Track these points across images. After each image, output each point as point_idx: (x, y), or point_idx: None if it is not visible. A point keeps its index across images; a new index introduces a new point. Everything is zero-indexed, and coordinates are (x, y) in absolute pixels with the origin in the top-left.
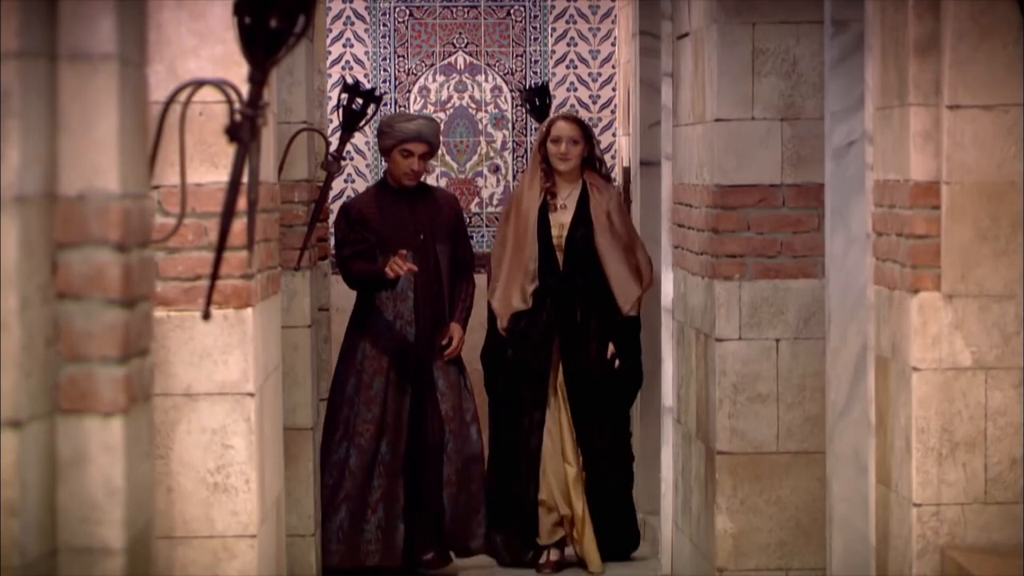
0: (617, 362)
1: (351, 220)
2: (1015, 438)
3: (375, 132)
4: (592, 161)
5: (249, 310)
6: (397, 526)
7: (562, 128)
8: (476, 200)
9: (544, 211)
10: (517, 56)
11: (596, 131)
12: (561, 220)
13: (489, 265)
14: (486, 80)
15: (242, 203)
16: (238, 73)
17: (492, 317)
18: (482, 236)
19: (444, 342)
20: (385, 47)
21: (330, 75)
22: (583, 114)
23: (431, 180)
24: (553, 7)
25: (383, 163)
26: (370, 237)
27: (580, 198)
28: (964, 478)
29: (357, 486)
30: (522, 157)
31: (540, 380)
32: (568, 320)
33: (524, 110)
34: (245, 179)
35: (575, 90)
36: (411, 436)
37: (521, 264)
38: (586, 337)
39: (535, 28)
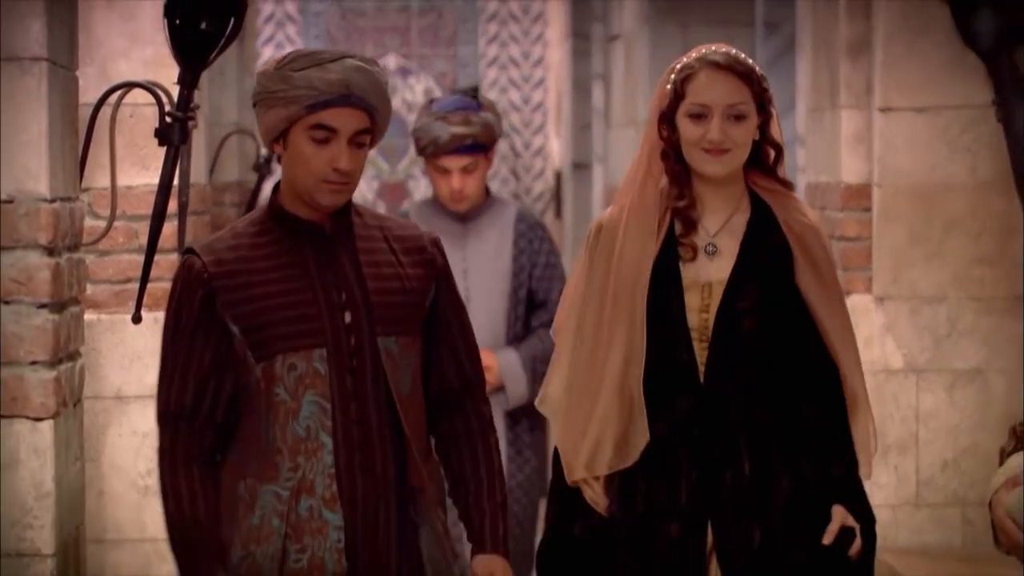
0: (857, 543)
1: (194, 293)
2: (946, 440)
3: None
4: (762, 151)
5: None
6: None
7: (716, 87)
8: (407, 203)
9: (668, 257)
10: (449, 58)
11: (527, 133)
12: (708, 277)
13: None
14: (418, 82)
15: (173, 206)
16: (169, 75)
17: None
18: None
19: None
20: None
21: None
22: (514, 117)
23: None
24: (485, 9)
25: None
26: (234, 332)
27: (750, 230)
28: (895, 480)
29: None
30: None
31: None
32: (727, 481)
33: None
34: (176, 181)
35: (507, 92)
36: None
37: (618, 368)
38: (769, 513)
39: (467, 30)
